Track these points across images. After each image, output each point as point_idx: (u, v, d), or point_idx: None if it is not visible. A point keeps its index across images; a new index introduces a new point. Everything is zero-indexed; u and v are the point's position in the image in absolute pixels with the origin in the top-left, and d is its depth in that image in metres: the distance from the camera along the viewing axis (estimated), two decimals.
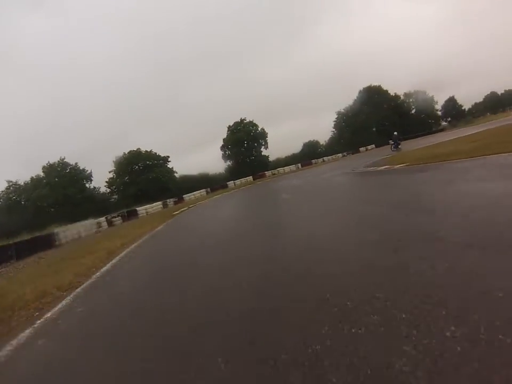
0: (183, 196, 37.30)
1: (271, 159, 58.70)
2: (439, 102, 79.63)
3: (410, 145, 23.02)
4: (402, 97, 73.19)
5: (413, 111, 73.21)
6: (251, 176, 44.03)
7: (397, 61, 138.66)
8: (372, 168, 12.07)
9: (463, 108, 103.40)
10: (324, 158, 50.91)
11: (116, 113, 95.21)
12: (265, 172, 45.41)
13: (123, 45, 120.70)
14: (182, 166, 67.22)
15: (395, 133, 27.07)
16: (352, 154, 49.33)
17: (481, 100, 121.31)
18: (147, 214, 26.60)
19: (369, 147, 53.62)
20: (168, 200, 35.31)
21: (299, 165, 46.88)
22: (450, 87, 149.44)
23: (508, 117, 39.21)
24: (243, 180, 42.99)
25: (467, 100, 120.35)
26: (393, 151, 24.25)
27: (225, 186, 40.73)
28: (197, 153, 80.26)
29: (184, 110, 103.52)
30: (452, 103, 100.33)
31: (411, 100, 73.89)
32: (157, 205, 30.29)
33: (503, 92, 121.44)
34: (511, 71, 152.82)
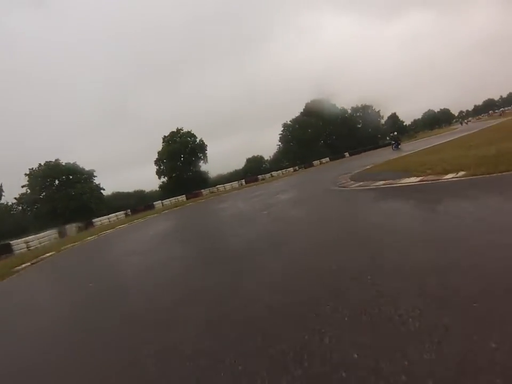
0: (100, 217, 31.23)
1: (211, 175, 54.50)
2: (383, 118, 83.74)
3: (372, 158, 21.01)
4: (349, 111, 75.60)
5: (360, 126, 75.73)
6: (184, 195, 39.07)
7: (345, 77, 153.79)
8: (369, 183, 8.34)
9: (404, 124, 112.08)
10: (273, 172, 48.19)
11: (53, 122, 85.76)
12: (202, 190, 40.73)
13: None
14: (120, 182, 60.92)
15: (395, 132, 30.97)
16: (305, 168, 47.81)
17: (419, 117, 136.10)
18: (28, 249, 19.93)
19: (323, 160, 52.62)
20: (74, 225, 28.93)
21: (243, 181, 43.31)
22: (393, 104, 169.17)
23: (443, 133, 41.32)
24: (174, 199, 37.92)
25: (408, 116, 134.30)
26: (394, 150, 25.35)
27: (151, 207, 35.17)
28: (137, 169, 75.46)
29: (128, 123, 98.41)
30: (394, 119, 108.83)
31: (358, 114, 76.58)
32: (49, 235, 23.48)
33: (439, 110, 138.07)
34: (446, 91, 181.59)
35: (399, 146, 26.73)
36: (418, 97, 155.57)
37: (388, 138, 68.08)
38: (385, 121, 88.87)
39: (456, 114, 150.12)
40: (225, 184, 43.06)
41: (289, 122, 66.18)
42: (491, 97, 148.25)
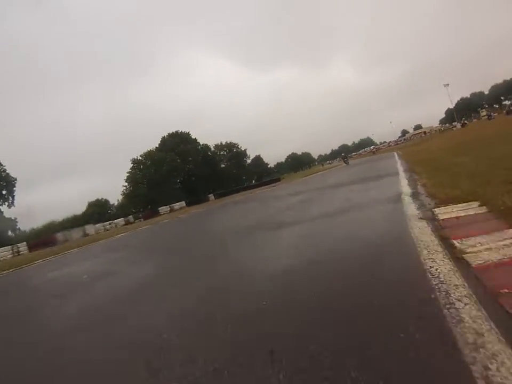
0: None
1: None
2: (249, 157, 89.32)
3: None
4: (213, 148, 77.60)
5: (224, 165, 78.59)
6: None
7: (215, 120, 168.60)
8: None
9: (269, 166, 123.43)
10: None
11: None
12: None
13: None
14: None
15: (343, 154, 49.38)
16: (144, 219, 41.14)
17: (283, 160, 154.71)
18: None
19: (176, 205, 47.81)
20: None
21: None
22: (260, 147, 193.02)
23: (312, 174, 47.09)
24: None
25: (272, 159, 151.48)
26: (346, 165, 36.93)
27: None
28: None
29: None
30: (258, 161, 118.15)
31: (222, 153, 79.73)
32: None
33: (301, 153, 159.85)
34: (307, 137, 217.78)
35: (349, 163, 39.17)
36: (282, 141, 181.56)
37: (338, 159, 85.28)
38: (248, 164, 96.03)
39: (316, 157, 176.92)
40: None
41: (139, 158, 61.98)
42: (345, 142, 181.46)
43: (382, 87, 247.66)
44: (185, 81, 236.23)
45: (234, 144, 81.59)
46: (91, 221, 44.51)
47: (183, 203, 49.04)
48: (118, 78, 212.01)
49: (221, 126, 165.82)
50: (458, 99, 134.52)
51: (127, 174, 60.39)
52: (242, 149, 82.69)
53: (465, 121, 63.62)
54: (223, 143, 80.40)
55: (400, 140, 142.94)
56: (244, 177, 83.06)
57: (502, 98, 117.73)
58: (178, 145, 66.53)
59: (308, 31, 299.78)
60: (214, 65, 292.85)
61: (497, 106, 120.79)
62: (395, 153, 27.16)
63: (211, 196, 52.62)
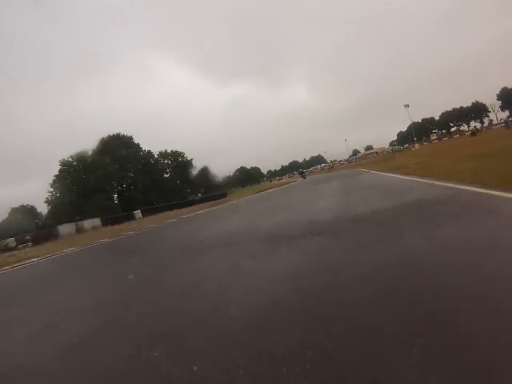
0: None
1: None
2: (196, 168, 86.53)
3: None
4: (156, 155, 73.96)
5: (168, 175, 75.20)
6: None
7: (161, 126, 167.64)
8: None
9: (216, 180, 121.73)
10: None
11: None
12: None
13: None
14: None
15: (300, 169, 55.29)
16: (34, 243, 27.64)
17: (231, 174, 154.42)
18: None
19: (86, 223, 37.17)
20: None
21: None
22: (208, 160, 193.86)
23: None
24: None
25: (221, 173, 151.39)
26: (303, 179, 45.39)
27: None
28: None
29: None
30: (205, 173, 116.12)
31: (166, 161, 76.30)
32: None
33: (250, 168, 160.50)
34: (258, 151, 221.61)
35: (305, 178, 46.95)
36: (231, 155, 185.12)
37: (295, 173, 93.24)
38: (195, 175, 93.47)
39: (265, 173, 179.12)
40: None
41: (69, 159, 55.88)
42: (296, 159, 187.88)
43: (335, 108, 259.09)
44: (136, 85, 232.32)
45: (180, 153, 78.92)
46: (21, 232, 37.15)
47: (97, 220, 38.35)
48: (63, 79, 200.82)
49: (169, 135, 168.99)
50: (410, 123, 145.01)
51: (53, 178, 53.87)
52: (188, 159, 79.82)
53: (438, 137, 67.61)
54: (168, 151, 77.10)
55: (352, 159, 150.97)
56: (189, 190, 79.67)
57: (451, 124, 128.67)
58: (118, 149, 62.13)
59: (268, 50, 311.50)
60: (169, 73, 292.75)
61: (444, 131, 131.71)
62: (363, 170, 28.16)
63: (138, 213, 42.48)
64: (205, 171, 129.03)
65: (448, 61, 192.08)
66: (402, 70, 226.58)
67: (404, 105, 72.40)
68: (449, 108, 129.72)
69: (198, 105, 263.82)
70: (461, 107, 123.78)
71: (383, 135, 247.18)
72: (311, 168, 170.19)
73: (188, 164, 79.22)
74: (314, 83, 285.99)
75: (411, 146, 77.29)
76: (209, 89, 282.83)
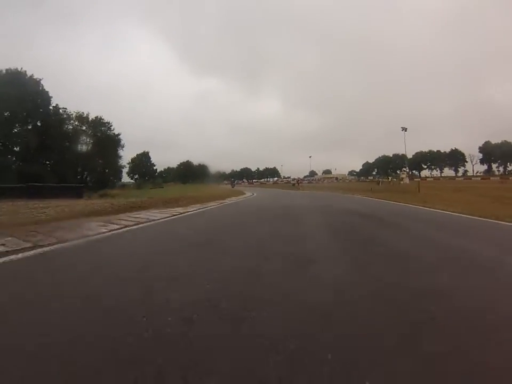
0: None
1: None
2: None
3: None
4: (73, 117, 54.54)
5: (83, 147, 55.61)
6: None
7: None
8: None
9: (155, 168, 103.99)
10: None
11: None
12: None
13: None
14: None
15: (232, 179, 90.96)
16: None
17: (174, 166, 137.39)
18: None
19: None
20: None
21: None
22: (156, 147, 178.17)
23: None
24: None
25: (165, 163, 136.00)
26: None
27: None
28: None
29: None
30: (144, 158, 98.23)
31: (85, 129, 56.72)
32: None
33: (197, 164, 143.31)
34: (209, 148, 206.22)
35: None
36: (182, 148, 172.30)
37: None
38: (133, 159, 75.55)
39: (213, 173, 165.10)
40: None
41: None
42: (249, 166, 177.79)
43: (299, 127, 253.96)
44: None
45: (106, 123, 59.45)
46: None
47: None
48: None
49: (118, 110, 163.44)
50: (380, 155, 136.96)
51: None
52: (116, 133, 60.87)
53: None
54: (90, 117, 57.44)
55: (309, 179, 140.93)
56: (108, 170, 59.91)
57: (423, 165, 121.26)
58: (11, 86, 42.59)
59: (250, 54, 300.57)
60: (145, 44, 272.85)
61: (415, 171, 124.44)
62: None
63: None
64: (144, 156, 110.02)
65: (436, 107, 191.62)
66: (378, 103, 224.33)
67: (402, 128, 59.86)
68: (425, 149, 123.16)
69: (161, 86, 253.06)
70: (438, 151, 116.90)
71: (343, 163, 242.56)
72: (262, 180, 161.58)
73: (113, 139, 59.66)
74: (286, 98, 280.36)
75: (399, 179, 63.74)
76: (180, 74, 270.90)
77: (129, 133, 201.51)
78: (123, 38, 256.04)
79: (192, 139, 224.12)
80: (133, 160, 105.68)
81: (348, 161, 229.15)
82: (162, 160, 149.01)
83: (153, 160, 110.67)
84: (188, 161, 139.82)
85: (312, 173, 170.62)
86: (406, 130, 61.74)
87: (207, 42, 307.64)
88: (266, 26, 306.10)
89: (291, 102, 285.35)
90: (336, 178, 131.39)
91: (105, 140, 57.33)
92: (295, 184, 60.36)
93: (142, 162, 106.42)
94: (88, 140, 56.19)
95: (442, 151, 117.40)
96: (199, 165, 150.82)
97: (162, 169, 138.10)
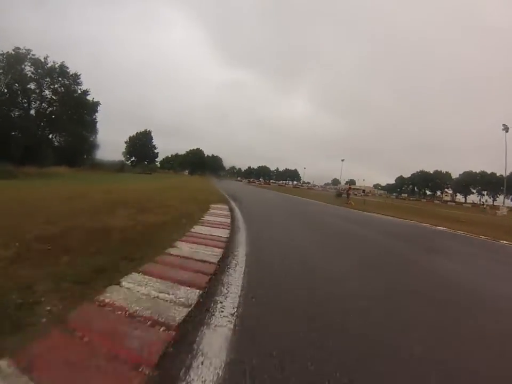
0: None
1: None
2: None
3: None
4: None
5: (44, 106, 40.24)
6: None
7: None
8: None
9: (156, 151, 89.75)
10: None
11: None
12: None
13: None
14: None
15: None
16: None
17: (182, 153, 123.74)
18: None
19: None
20: None
21: None
22: (172, 134, 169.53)
23: None
24: None
25: (176, 149, 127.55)
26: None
27: None
28: None
29: None
30: (145, 137, 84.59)
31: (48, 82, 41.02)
32: None
33: (210, 155, 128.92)
34: (228, 140, 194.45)
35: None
36: (199, 139, 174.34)
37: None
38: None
39: (227, 167, 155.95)
40: None
41: None
42: (268, 166, 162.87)
43: (328, 131, 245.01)
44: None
45: (72, 75, 43.09)
46: None
47: None
48: None
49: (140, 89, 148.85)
50: (418, 171, 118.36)
51: None
52: (86, 90, 45.00)
53: None
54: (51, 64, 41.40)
55: (329, 187, 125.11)
56: (71, 143, 44.04)
57: (471, 188, 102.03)
58: None
59: (289, 51, 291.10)
60: (180, 28, 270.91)
61: (460, 194, 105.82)
62: None
63: None
64: (145, 135, 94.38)
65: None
66: (409, 117, 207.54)
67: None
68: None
69: (189, 73, 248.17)
70: (493, 173, 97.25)
71: (368, 175, 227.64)
72: (281, 181, 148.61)
73: (81, 101, 43.81)
74: (315, 99, 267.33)
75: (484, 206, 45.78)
76: (211, 62, 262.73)
77: (153, 116, 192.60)
78: (157, 19, 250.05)
79: (212, 129, 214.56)
80: (131, 139, 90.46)
81: (373, 174, 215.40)
82: (175, 149, 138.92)
83: (155, 143, 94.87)
84: (198, 149, 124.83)
85: (335, 181, 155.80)
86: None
87: (245, 32, 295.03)
88: (310, 22, 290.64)
89: (320, 104, 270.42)
90: (363, 190, 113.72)
91: (69, 99, 41.61)
92: (344, 194, 34.20)
93: (143, 143, 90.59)
94: (40, 93, 40.28)
95: (498, 174, 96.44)
96: (212, 156, 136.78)
97: (169, 155, 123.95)
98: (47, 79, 40.16)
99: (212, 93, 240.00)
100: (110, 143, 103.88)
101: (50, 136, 42.82)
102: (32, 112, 39.81)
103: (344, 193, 34.35)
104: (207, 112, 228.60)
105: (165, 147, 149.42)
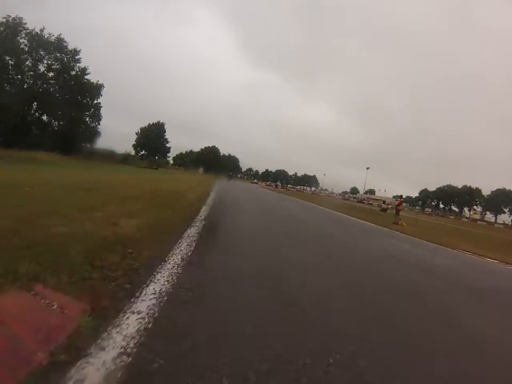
0: None
1: None
2: None
3: None
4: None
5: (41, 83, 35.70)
6: None
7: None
8: None
9: (168, 145, 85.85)
10: None
11: None
12: None
13: None
14: None
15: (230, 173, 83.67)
16: None
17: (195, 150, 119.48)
18: None
19: None
20: None
21: None
22: (189, 131, 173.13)
23: None
24: None
25: (190, 147, 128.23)
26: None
27: None
28: None
29: None
30: (159, 129, 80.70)
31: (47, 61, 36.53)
32: None
33: (226, 154, 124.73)
34: (246, 141, 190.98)
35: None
36: (218, 137, 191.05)
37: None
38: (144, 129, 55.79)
39: (243, 169, 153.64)
40: None
41: None
42: (285, 169, 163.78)
43: (348, 139, 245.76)
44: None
45: (71, 50, 38.30)
46: None
47: None
48: None
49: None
50: (445, 185, 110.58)
51: None
52: (85, 68, 40.05)
53: None
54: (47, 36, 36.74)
55: (349, 196, 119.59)
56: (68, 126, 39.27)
57: (503, 207, 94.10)
58: None
59: (318, 55, 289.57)
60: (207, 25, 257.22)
61: (490, 213, 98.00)
62: None
63: None
64: (159, 127, 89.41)
65: None
66: (432, 130, 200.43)
67: None
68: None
69: (212, 71, 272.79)
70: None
71: (386, 186, 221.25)
72: (299, 187, 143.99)
73: (79, 81, 39.18)
74: (337, 106, 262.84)
75: None
76: (235, 61, 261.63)
77: (170, 113, 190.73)
78: (184, 17, 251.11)
79: (230, 129, 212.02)
80: (142, 130, 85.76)
81: (391, 185, 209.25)
82: (190, 147, 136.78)
83: (169, 137, 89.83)
84: (214, 146, 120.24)
85: (354, 190, 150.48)
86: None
87: (271, 33, 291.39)
88: (337, 27, 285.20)
89: (342, 111, 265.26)
90: (384, 202, 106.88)
91: (65, 78, 37.07)
92: (389, 210, 27.87)
93: (155, 135, 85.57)
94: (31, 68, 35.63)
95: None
96: (229, 155, 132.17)
97: (184, 152, 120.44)
98: (41, 52, 35.64)
99: (233, 93, 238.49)
100: (126, 135, 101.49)
101: (44, 118, 38.59)
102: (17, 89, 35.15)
103: (388, 208, 29.03)
104: (225, 111, 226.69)
105: (181, 144, 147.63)
